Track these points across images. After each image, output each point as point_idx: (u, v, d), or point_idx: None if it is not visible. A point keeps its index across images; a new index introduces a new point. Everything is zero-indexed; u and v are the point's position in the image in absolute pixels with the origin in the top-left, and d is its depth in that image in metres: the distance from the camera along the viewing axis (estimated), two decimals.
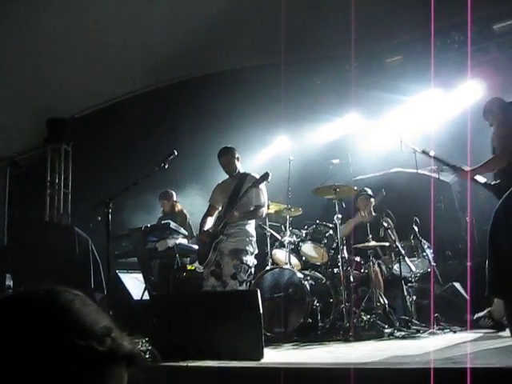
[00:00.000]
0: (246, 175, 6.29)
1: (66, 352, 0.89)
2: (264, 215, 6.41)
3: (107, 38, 8.41)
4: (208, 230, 6.24)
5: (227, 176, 6.42)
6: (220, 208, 6.40)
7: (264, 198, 6.20)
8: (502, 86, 8.01)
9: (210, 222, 6.38)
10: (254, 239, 6.15)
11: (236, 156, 6.35)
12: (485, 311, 5.70)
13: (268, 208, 6.60)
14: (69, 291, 0.99)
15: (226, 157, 6.32)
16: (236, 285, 5.83)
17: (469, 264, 5.40)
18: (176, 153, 5.87)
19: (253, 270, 6.07)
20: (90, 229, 8.02)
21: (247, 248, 6.01)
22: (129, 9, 7.96)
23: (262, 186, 6.11)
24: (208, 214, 6.48)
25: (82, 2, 7.61)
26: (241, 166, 6.42)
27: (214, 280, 5.99)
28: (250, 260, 5.99)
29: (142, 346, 5.31)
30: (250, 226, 6.18)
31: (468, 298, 6.13)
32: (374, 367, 3.47)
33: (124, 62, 9.16)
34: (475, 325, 5.45)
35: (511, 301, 1.39)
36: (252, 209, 6.14)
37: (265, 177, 5.98)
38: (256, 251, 6.13)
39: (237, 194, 6.13)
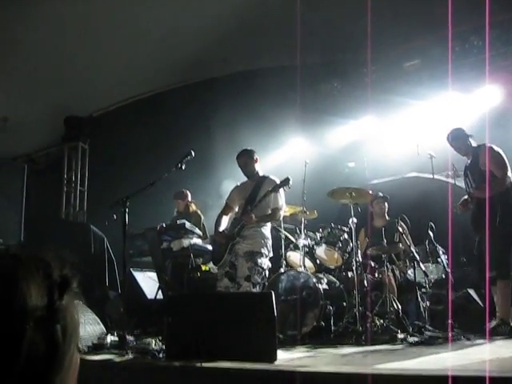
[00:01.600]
0: (264, 178, 6.29)
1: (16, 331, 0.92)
2: (281, 218, 6.41)
3: (127, 37, 8.47)
4: (224, 231, 6.25)
5: (245, 178, 6.43)
6: (236, 209, 6.42)
7: (282, 201, 6.21)
8: None
9: (224, 222, 6.40)
10: (270, 242, 6.15)
11: (254, 158, 6.35)
12: (497, 320, 5.69)
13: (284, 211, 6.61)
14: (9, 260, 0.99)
15: (244, 158, 6.34)
16: (249, 287, 5.82)
17: (488, 275, 5.46)
18: (193, 153, 5.90)
19: (267, 272, 6.07)
20: (105, 227, 8.07)
21: (262, 250, 6.01)
22: (148, 9, 8.01)
23: (281, 189, 6.11)
24: (223, 212, 6.50)
25: (104, 3, 7.67)
26: (260, 169, 6.42)
27: (228, 281, 6.00)
28: (265, 263, 5.99)
29: (155, 344, 5.35)
30: (266, 229, 6.19)
31: (483, 305, 6.11)
32: (390, 373, 3.46)
33: (142, 62, 9.21)
34: (493, 334, 5.44)
35: None
36: (269, 212, 6.15)
37: (285, 182, 5.97)
38: (271, 254, 6.13)
39: (254, 196, 6.13)
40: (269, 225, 6.26)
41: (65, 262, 1.02)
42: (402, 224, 7.06)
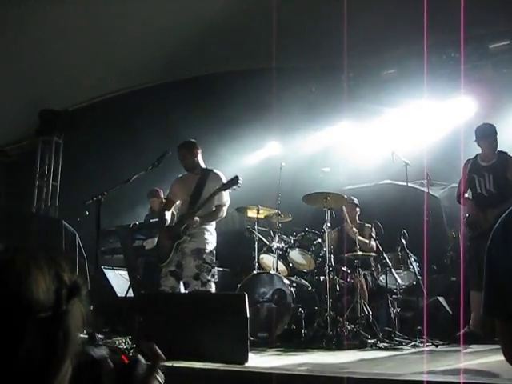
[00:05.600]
0: (208, 171, 6.00)
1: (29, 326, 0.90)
2: (224, 215, 6.04)
3: (105, 32, 8.39)
4: (169, 228, 5.99)
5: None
6: (177, 202, 6.19)
7: (226, 197, 5.92)
8: (493, 105, 8.10)
9: (168, 217, 6.11)
10: (215, 238, 5.92)
11: (194, 151, 6.01)
12: (465, 328, 5.82)
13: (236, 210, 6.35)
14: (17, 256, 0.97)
15: (182, 151, 6.03)
16: (198, 285, 5.58)
17: (462, 279, 5.50)
18: (170, 152, 5.85)
19: (216, 270, 5.85)
20: (77, 223, 7.97)
21: (208, 247, 5.79)
22: (128, 7, 7.96)
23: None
24: (165, 208, 6.22)
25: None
26: (202, 161, 6.10)
27: (174, 281, 5.75)
28: (212, 259, 5.78)
29: (125, 343, 5.30)
30: (211, 226, 5.95)
31: (451, 313, 6.21)
32: (365, 377, 3.48)
33: (120, 58, 9.14)
34: (467, 340, 5.51)
35: (506, 320, 1.42)
36: (214, 209, 5.88)
37: (233, 181, 5.72)
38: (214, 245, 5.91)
39: (199, 192, 5.87)
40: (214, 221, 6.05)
41: (75, 268, 1.00)
42: (372, 229, 7.11)
